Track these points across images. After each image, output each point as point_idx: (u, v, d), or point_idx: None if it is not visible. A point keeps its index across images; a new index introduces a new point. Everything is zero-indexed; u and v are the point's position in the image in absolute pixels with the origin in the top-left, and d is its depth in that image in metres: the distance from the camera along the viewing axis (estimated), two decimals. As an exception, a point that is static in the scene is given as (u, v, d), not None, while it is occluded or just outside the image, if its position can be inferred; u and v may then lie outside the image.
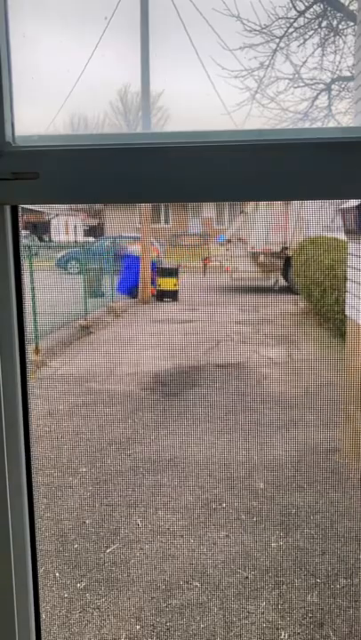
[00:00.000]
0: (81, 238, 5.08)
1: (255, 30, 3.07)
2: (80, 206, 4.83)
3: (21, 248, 1.13)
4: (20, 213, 1.13)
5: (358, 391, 3.14)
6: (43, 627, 2.62)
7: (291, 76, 3.28)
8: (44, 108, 2.29)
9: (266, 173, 1.05)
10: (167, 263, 4.71)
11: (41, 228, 4.87)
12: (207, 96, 2.72)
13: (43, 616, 2.67)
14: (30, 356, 4.40)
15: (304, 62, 3.27)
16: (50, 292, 4.10)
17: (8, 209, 1.10)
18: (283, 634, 2.57)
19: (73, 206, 4.84)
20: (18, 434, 1.15)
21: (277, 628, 2.59)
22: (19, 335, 1.13)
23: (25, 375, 1.15)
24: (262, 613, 2.65)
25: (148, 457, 3.65)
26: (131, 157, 1.05)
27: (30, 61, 1.65)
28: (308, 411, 3.57)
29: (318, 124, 3.81)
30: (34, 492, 1.18)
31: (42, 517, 3.21)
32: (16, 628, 1.16)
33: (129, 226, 4.35)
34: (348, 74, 3.32)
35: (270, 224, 4.50)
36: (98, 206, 4.51)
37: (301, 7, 3.28)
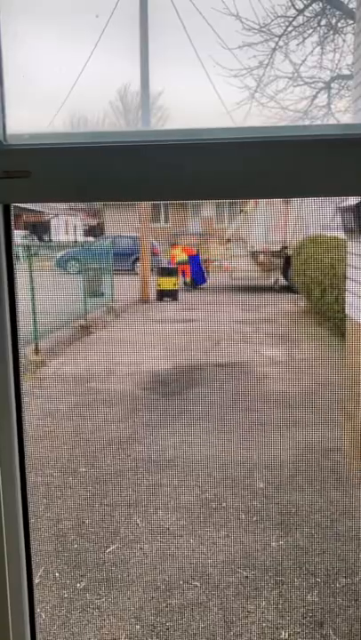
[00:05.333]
0: (81, 238, 5.08)
1: (254, 29, 3.06)
2: (80, 206, 4.83)
3: (14, 247, 1.12)
4: (12, 212, 1.12)
5: (359, 390, 3.13)
6: (43, 627, 2.62)
7: (290, 75, 3.27)
8: (44, 108, 2.29)
9: (266, 171, 1.05)
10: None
11: (41, 228, 4.86)
12: (207, 95, 2.72)
13: (42, 616, 2.68)
14: (30, 356, 4.40)
15: (303, 61, 3.26)
16: (50, 291, 4.10)
17: (0, 208, 1.10)
18: (283, 633, 2.57)
19: (72, 206, 4.84)
20: (12, 434, 1.15)
21: (277, 628, 2.59)
22: (12, 335, 1.12)
23: (18, 375, 1.14)
24: (263, 613, 2.65)
25: (147, 456, 3.65)
26: (124, 155, 1.05)
27: (30, 61, 1.65)
28: (308, 410, 3.56)
29: (318, 123, 3.80)
30: (28, 492, 1.18)
31: (41, 517, 3.21)
32: (10, 629, 1.16)
33: (129, 225, 4.35)
34: (348, 72, 3.31)
35: (270, 223, 4.49)
36: (97, 206, 4.51)
37: (300, 5, 3.27)
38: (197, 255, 4.74)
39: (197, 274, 4.73)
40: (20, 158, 1.04)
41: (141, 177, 1.05)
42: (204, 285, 4.76)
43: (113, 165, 1.04)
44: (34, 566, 1.24)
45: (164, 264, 4.78)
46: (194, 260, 4.73)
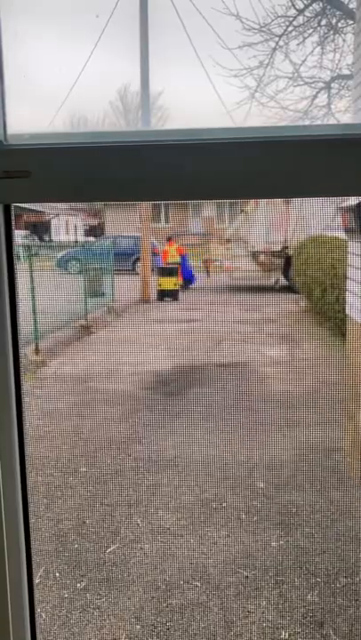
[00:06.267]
0: (81, 238, 5.09)
1: (254, 29, 3.06)
2: (80, 206, 4.83)
3: (14, 247, 1.12)
4: (12, 212, 1.12)
5: (359, 389, 3.13)
6: (43, 627, 2.62)
7: (290, 75, 3.27)
8: (45, 108, 2.29)
9: (266, 171, 1.05)
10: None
11: (41, 228, 4.87)
12: (207, 95, 2.72)
13: (43, 616, 2.68)
14: (31, 356, 4.40)
15: (303, 61, 3.26)
16: (50, 291, 4.10)
17: (0, 207, 1.10)
18: (283, 633, 2.57)
19: (73, 206, 4.84)
20: (12, 433, 1.15)
21: (278, 628, 2.59)
22: (12, 335, 1.12)
23: (19, 374, 1.14)
24: (263, 613, 2.65)
25: (148, 456, 3.65)
26: (124, 155, 1.05)
27: (30, 61, 1.65)
28: (308, 409, 3.56)
29: (318, 123, 3.80)
30: (28, 491, 1.18)
31: (42, 517, 3.21)
32: (10, 629, 1.16)
33: (129, 225, 4.36)
34: (348, 72, 3.30)
35: (271, 223, 4.49)
36: (98, 206, 4.51)
37: (301, 5, 3.27)
38: (184, 255, 4.75)
39: (185, 274, 4.75)
40: (20, 158, 1.04)
41: (141, 177, 1.05)
42: (192, 285, 4.78)
43: (113, 165, 1.04)
44: (34, 566, 1.24)
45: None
46: (182, 260, 4.75)
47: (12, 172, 1.03)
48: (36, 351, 4.46)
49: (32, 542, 1.24)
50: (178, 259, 4.72)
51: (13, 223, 1.13)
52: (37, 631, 1.31)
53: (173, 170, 1.05)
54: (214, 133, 1.11)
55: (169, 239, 4.70)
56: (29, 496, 1.19)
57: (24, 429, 1.16)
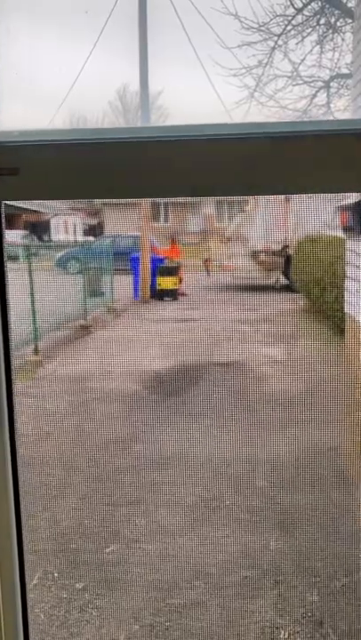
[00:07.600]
0: (81, 238, 5.08)
1: (253, 28, 3.06)
2: (79, 205, 4.82)
3: (5, 244, 1.11)
4: (2, 210, 1.11)
5: (358, 388, 3.12)
6: (42, 627, 2.62)
7: (289, 74, 3.27)
8: (44, 108, 2.29)
9: (265, 167, 1.05)
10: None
11: (40, 228, 4.86)
12: (206, 94, 2.72)
13: (41, 616, 2.68)
14: (29, 356, 4.39)
15: (302, 60, 3.26)
16: (49, 291, 4.10)
17: (-10, 206, 1.09)
18: (283, 633, 2.56)
19: (72, 205, 4.84)
20: (3, 432, 1.14)
21: (277, 627, 2.58)
22: (3, 334, 1.11)
23: (10, 374, 1.13)
24: (263, 613, 2.64)
25: (148, 456, 3.64)
26: (114, 152, 1.04)
27: (26, 60, 1.65)
28: (307, 408, 3.55)
29: (317, 122, 3.79)
30: (20, 491, 1.17)
31: (40, 517, 3.21)
32: (2, 632, 1.15)
33: (129, 225, 4.35)
34: (347, 71, 3.31)
35: (271, 222, 4.48)
36: (97, 205, 4.51)
37: (299, 5, 3.26)
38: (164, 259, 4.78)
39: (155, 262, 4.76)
40: (8, 155, 1.03)
41: (134, 173, 1.04)
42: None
43: (104, 162, 1.04)
44: (32, 567, 1.24)
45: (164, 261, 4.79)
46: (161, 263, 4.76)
47: (1, 169, 1.02)
48: (35, 351, 4.46)
49: (26, 543, 1.23)
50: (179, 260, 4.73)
51: (4, 221, 1.12)
52: (34, 632, 1.30)
53: (171, 168, 1.05)
54: (212, 129, 1.10)
55: (172, 242, 4.71)
56: (21, 496, 1.18)
57: (15, 429, 1.15)
